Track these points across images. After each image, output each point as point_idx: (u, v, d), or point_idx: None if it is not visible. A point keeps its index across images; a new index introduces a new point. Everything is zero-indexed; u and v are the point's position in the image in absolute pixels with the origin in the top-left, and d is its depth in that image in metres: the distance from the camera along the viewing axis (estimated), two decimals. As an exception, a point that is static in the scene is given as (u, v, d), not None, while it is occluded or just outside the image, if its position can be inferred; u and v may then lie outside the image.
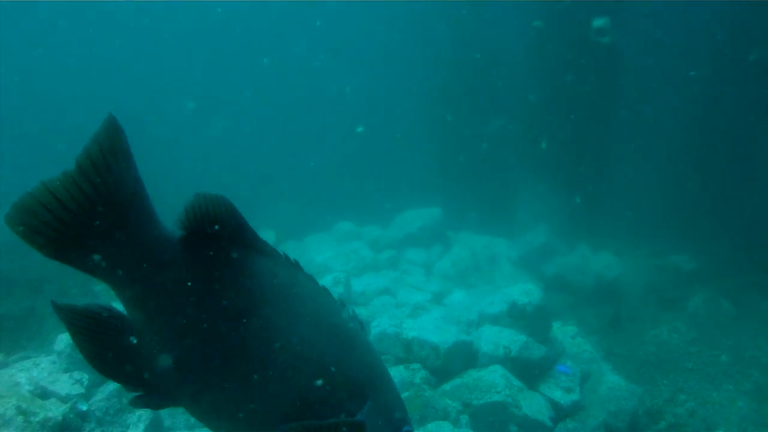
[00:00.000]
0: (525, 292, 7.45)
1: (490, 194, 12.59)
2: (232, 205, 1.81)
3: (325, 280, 8.55)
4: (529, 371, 6.87)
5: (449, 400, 6.26)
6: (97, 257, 1.70)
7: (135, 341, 1.81)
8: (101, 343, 1.80)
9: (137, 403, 1.86)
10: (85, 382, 5.84)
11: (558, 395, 6.85)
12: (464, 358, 6.91)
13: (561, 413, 6.75)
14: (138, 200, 1.74)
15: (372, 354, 2.06)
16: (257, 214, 13.28)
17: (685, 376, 8.73)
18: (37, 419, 4.97)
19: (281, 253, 1.95)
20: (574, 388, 7.00)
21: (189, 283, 1.78)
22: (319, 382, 1.88)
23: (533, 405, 6.42)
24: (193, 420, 4.11)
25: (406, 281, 9.45)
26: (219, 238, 1.80)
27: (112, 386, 5.69)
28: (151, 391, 1.85)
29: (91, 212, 1.67)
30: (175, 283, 1.78)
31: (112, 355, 1.81)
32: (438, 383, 6.65)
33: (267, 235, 11.79)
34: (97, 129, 1.66)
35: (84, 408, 5.42)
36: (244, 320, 1.81)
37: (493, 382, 6.42)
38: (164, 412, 5.84)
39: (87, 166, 1.64)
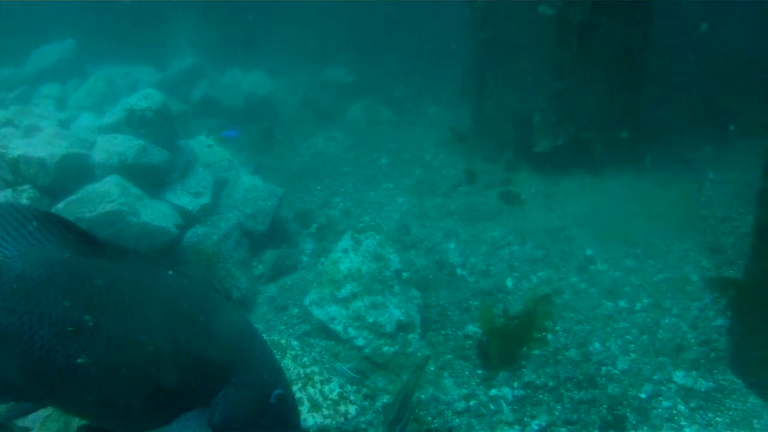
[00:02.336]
0: (144, 96, 6.82)
1: (132, 23, 11.62)
2: (48, 214, 1.93)
3: None
4: (152, 178, 6.35)
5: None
6: None
7: None
8: None
9: (10, 415, 1.98)
10: None
11: (186, 201, 6.45)
12: (79, 172, 6.19)
13: (191, 219, 6.37)
14: None
15: (236, 331, 2.10)
16: None
17: (341, 181, 8.71)
18: None
19: (130, 249, 2.01)
20: (205, 192, 6.64)
21: (14, 305, 1.86)
22: (172, 374, 1.92)
23: (156, 212, 5.94)
24: None
25: (32, 113, 8.34)
26: (42, 252, 1.89)
27: None
28: (19, 399, 1.93)
29: None
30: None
31: None
32: (51, 203, 5.90)
33: None
34: None
35: None
36: (76, 331, 1.85)
37: (107, 191, 5.81)
38: None
39: None
